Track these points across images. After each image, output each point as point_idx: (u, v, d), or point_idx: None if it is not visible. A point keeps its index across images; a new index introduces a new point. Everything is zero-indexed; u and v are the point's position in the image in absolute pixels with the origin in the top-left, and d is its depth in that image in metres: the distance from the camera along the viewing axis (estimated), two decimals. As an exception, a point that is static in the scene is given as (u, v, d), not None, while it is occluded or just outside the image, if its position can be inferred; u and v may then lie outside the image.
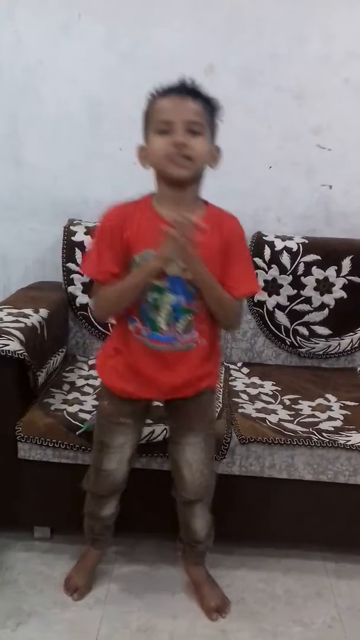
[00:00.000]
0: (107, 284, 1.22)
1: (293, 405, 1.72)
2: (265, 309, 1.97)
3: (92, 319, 1.97)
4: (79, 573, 1.52)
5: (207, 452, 1.39)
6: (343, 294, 1.95)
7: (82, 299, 1.96)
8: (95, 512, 1.46)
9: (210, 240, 1.19)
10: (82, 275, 1.94)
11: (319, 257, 1.94)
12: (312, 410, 1.70)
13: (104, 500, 1.45)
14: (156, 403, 1.46)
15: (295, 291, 1.96)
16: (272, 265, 1.94)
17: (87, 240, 1.93)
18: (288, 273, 1.94)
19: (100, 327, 1.98)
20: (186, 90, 1.17)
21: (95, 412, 1.56)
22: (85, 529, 1.51)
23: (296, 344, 2.00)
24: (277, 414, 1.66)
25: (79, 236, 1.94)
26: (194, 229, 1.11)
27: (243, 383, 1.86)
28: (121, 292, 1.21)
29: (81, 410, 1.60)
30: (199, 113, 1.16)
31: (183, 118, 1.14)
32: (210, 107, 1.19)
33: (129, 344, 1.28)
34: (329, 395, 1.79)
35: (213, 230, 1.20)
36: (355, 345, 2.00)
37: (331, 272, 1.94)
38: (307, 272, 1.94)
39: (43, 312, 1.73)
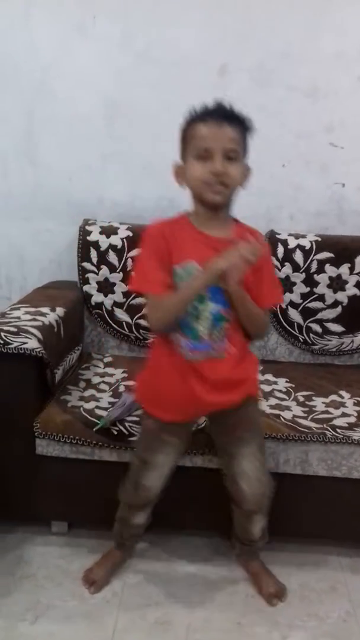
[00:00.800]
0: (162, 294, 1.25)
1: (307, 402, 1.73)
2: (278, 306, 1.98)
3: (107, 317, 1.99)
4: (99, 568, 1.55)
5: (262, 460, 1.41)
6: (356, 292, 1.96)
7: (98, 297, 1.99)
8: (127, 519, 1.49)
9: None
10: (97, 274, 1.97)
11: (332, 255, 1.95)
12: (325, 407, 1.71)
13: (138, 511, 1.48)
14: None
15: (309, 289, 1.97)
16: (285, 263, 1.95)
17: (102, 239, 1.95)
18: (301, 271, 1.95)
19: (114, 325, 2.00)
20: (224, 115, 1.20)
21: (111, 409, 1.59)
22: (114, 531, 1.54)
23: (309, 341, 2.01)
24: (291, 410, 1.67)
25: (94, 236, 1.97)
26: (258, 253, 1.18)
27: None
28: (181, 299, 1.23)
29: (97, 407, 1.62)
30: (236, 140, 1.20)
31: (222, 146, 1.18)
32: (244, 129, 1.23)
33: (170, 358, 1.31)
34: (342, 392, 1.80)
35: None
36: (369, 343, 2.01)
37: (344, 269, 1.95)
38: (320, 270, 1.95)
39: (59, 310, 1.76)
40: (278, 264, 1.96)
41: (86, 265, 1.98)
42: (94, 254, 1.96)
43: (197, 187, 1.23)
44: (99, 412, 1.59)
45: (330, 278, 1.96)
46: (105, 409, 1.61)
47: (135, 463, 1.44)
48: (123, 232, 1.96)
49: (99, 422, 1.54)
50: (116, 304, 1.98)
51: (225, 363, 1.30)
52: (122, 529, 1.52)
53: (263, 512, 1.46)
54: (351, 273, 1.95)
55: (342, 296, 1.96)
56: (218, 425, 1.43)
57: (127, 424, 1.56)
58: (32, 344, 1.51)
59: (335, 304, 1.97)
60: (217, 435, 1.45)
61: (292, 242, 1.96)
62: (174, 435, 1.39)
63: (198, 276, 1.22)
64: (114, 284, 1.97)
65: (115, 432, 1.54)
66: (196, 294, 1.22)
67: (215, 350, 1.29)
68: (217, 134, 1.18)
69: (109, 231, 1.96)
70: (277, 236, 1.98)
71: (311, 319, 1.99)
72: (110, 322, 2.00)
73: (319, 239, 1.97)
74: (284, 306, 1.98)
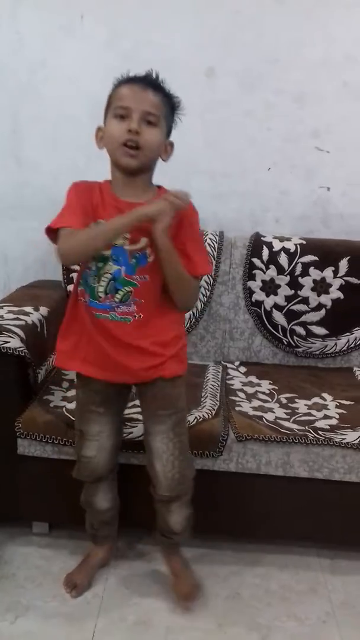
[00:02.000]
0: (78, 229, 1.22)
1: (289, 404, 1.74)
2: (262, 308, 2.00)
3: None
4: (80, 571, 1.54)
5: (178, 443, 1.38)
6: (340, 295, 1.98)
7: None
8: (90, 501, 1.49)
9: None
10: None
11: (316, 258, 1.96)
12: (308, 409, 1.72)
13: (92, 488, 1.47)
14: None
15: (293, 291, 1.98)
16: (270, 266, 1.97)
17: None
18: (286, 273, 1.97)
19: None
20: (149, 81, 1.23)
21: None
22: (86, 526, 1.54)
23: (293, 343, 2.02)
24: (274, 412, 1.68)
25: (79, 235, 1.96)
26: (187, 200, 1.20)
27: (240, 382, 1.88)
28: (97, 232, 1.22)
29: (80, 407, 1.62)
30: (157, 106, 1.22)
31: (141, 107, 1.20)
32: (170, 102, 1.25)
33: (81, 310, 1.31)
34: (325, 395, 1.82)
35: None
36: (352, 346, 2.02)
37: (328, 272, 1.97)
38: (305, 273, 1.97)
39: (43, 310, 1.75)
40: (263, 266, 1.97)
41: (71, 265, 1.97)
42: (79, 254, 1.96)
43: (112, 149, 1.24)
44: (81, 412, 1.59)
45: (314, 281, 1.97)
46: (88, 409, 1.60)
47: (76, 435, 1.44)
48: (108, 233, 1.95)
49: (81, 422, 1.54)
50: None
51: (129, 327, 1.28)
52: (89, 516, 1.51)
53: (182, 502, 1.42)
54: (335, 276, 1.97)
55: (325, 299, 1.98)
56: (140, 399, 1.42)
57: (109, 425, 1.55)
58: (15, 343, 1.50)
59: (319, 306, 1.99)
60: (142, 412, 1.44)
61: (277, 245, 1.98)
62: (101, 406, 1.38)
63: (121, 216, 1.20)
64: (98, 284, 1.96)
65: (98, 433, 1.54)
66: (114, 232, 1.20)
67: (117, 313, 1.27)
68: (138, 94, 1.21)
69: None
70: (262, 239, 1.99)
71: (295, 322, 2.01)
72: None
73: (304, 242, 1.99)
74: (268, 309, 1.99)
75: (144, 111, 1.20)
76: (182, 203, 1.18)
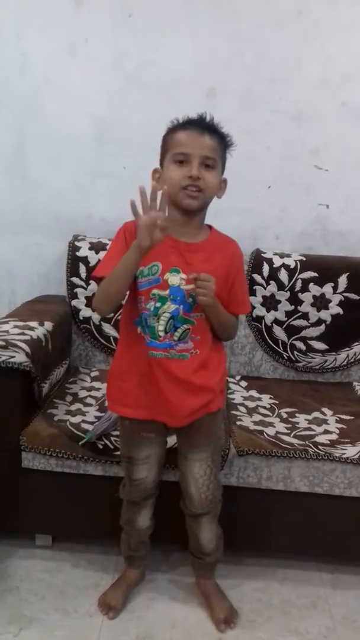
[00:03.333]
0: None
1: (290, 419, 1.76)
2: (263, 323, 2.02)
3: (95, 332, 2.02)
4: (114, 592, 1.54)
5: (214, 467, 1.44)
6: (339, 310, 2.00)
7: (86, 312, 2.01)
8: (133, 520, 1.50)
9: (215, 263, 1.31)
10: (85, 289, 1.99)
11: (316, 274, 1.99)
12: (308, 424, 1.74)
13: (139, 507, 1.49)
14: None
15: (293, 307, 2.01)
16: (271, 282, 2.00)
17: (91, 255, 1.98)
18: (286, 289, 2.00)
19: (102, 340, 2.02)
20: (206, 126, 1.27)
21: (97, 423, 1.61)
22: (122, 548, 1.55)
23: (293, 358, 2.05)
24: (274, 426, 1.70)
25: (83, 251, 2.00)
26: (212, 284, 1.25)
27: (241, 396, 1.90)
28: (115, 271, 1.25)
29: (84, 421, 1.64)
30: (214, 149, 1.26)
31: (200, 153, 1.24)
32: (224, 142, 1.30)
33: (137, 353, 1.34)
34: (325, 409, 1.84)
35: (214, 254, 1.32)
36: (351, 360, 2.04)
37: (328, 288, 1.99)
38: (305, 289, 2.00)
39: (48, 324, 1.78)
40: (263, 282, 2.00)
41: (75, 280, 2.00)
42: (82, 269, 1.99)
43: (173, 192, 1.27)
44: (85, 426, 1.61)
45: (314, 297, 2.00)
46: (92, 423, 1.63)
47: (124, 462, 1.47)
48: (112, 249, 1.99)
49: (84, 436, 1.56)
50: (104, 319, 2.01)
51: (188, 364, 1.33)
52: (128, 537, 1.53)
53: (211, 516, 1.47)
54: (334, 292, 2.00)
55: (325, 315, 2.01)
56: (180, 429, 1.44)
57: (112, 438, 1.58)
58: (20, 357, 1.53)
59: (319, 322, 2.01)
60: (178, 438, 1.47)
61: (277, 261, 2.01)
62: (152, 432, 1.42)
63: (127, 252, 1.23)
64: (101, 300, 1.99)
65: (101, 446, 1.56)
66: (128, 265, 1.23)
67: (175, 350, 1.32)
68: (196, 140, 1.25)
69: (98, 247, 1.99)
70: (263, 255, 2.02)
71: (295, 337, 2.03)
72: (98, 336, 2.02)
73: (304, 259, 2.02)
74: (268, 324, 2.02)
75: (203, 156, 1.25)
76: (202, 297, 1.25)
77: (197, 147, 1.24)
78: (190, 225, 1.32)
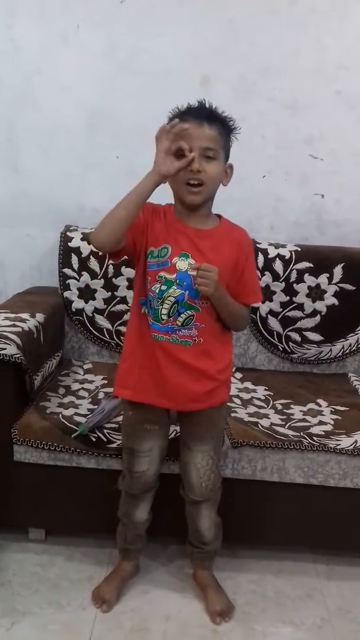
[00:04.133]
0: None
1: (285, 410, 1.75)
2: (258, 315, 2.01)
3: (87, 324, 2.00)
4: (108, 585, 1.53)
5: (216, 458, 1.46)
6: (334, 301, 1.99)
7: (78, 303, 1.99)
8: (130, 512, 1.49)
9: (224, 252, 1.31)
10: (78, 280, 1.97)
11: (311, 265, 1.98)
12: (303, 415, 1.73)
13: (138, 500, 1.48)
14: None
15: (288, 298, 1.99)
16: (266, 272, 1.98)
17: (83, 246, 1.96)
18: (281, 280, 1.98)
19: (95, 332, 2.01)
20: (203, 114, 1.24)
21: (89, 415, 1.59)
22: (117, 540, 1.54)
23: (288, 349, 2.04)
24: (269, 418, 1.69)
25: (75, 242, 1.97)
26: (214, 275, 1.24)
27: (236, 388, 1.89)
28: (126, 196, 1.22)
29: (76, 414, 1.62)
30: (215, 139, 1.24)
31: (199, 144, 1.22)
32: (226, 129, 1.27)
33: (141, 333, 1.34)
34: (320, 400, 1.83)
35: (223, 241, 1.32)
36: (346, 352, 2.03)
37: (323, 279, 1.98)
38: (300, 279, 1.98)
39: (39, 316, 1.76)
40: (258, 272, 1.98)
41: (67, 271, 1.98)
42: (75, 260, 1.97)
43: (175, 186, 1.27)
44: (77, 418, 1.60)
45: (309, 287, 1.98)
46: (84, 415, 1.61)
47: (125, 454, 1.46)
48: (104, 240, 1.97)
49: (77, 428, 1.54)
50: (97, 311, 1.99)
51: (190, 350, 1.32)
52: (125, 529, 1.52)
53: (211, 505, 1.48)
54: (330, 283, 1.98)
55: (320, 305, 1.99)
56: (183, 416, 1.44)
57: (105, 431, 1.56)
58: (11, 350, 1.51)
59: (314, 313, 2.00)
60: (181, 427, 1.47)
61: (272, 252, 1.99)
62: (155, 424, 1.42)
63: (147, 176, 1.22)
64: (95, 291, 1.97)
65: (94, 439, 1.55)
66: (141, 190, 1.21)
67: (178, 335, 1.31)
68: (195, 132, 1.22)
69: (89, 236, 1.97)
70: (258, 245, 2.00)
71: (290, 328, 2.02)
72: (91, 328, 2.01)
73: (299, 249, 2.00)
74: (263, 315, 2.00)
75: (203, 148, 1.22)
76: (202, 287, 1.25)
77: (196, 139, 1.22)
78: (198, 214, 1.31)
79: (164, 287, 1.29)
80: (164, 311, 1.29)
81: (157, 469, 1.47)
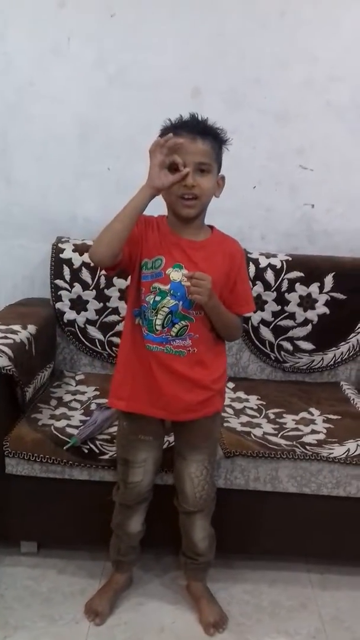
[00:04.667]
0: None
1: (277, 419, 1.75)
2: (250, 324, 2.01)
3: (80, 335, 2.00)
4: (101, 598, 1.52)
5: (210, 468, 1.45)
6: (326, 310, 2.00)
7: (70, 315, 1.99)
8: (124, 524, 1.49)
9: (217, 262, 1.32)
10: (69, 291, 1.97)
11: (302, 274, 1.99)
12: (295, 424, 1.73)
13: (131, 511, 1.48)
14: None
15: (280, 307, 2.00)
16: (257, 282, 1.99)
17: (75, 257, 1.96)
18: (272, 289, 1.99)
19: (87, 343, 2.00)
20: (197, 129, 1.25)
21: (82, 427, 1.59)
22: (110, 552, 1.53)
23: (280, 358, 2.04)
24: (262, 427, 1.69)
25: (67, 253, 1.97)
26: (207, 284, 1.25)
27: (228, 397, 1.88)
28: (121, 210, 1.23)
29: (69, 426, 1.62)
30: (208, 153, 1.25)
31: (193, 160, 1.23)
32: (218, 141, 1.28)
33: (135, 344, 1.34)
34: (312, 409, 1.83)
35: (216, 253, 1.33)
36: (338, 360, 2.04)
37: (314, 288, 1.99)
38: (291, 289, 1.99)
39: (31, 328, 1.75)
40: (250, 282, 1.99)
41: (59, 282, 1.98)
42: (66, 272, 1.97)
43: (170, 200, 1.29)
44: (70, 430, 1.59)
45: (300, 297, 1.99)
46: (77, 427, 1.61)
47: (120, 464, 1.46)
48: (96, 250, 1.97)
49: (69, 440, 1.54)
50: (89, 322, 1.99)
51: (184, 360, 1.32)
52: (118, 541, 1.51)
53: (205, 515, 1.48)
54: (321, 292, 1.99)
55: (312, 314, 2.00)
56: (178, 425, 1.44)
57: (98, 442, 1.56)
58: (2, 362, 1.51)
59: (306, 322, 2.01)
60: (176, 437, 1.47)
61: (264, 262, 2.00)
62: (150, 434, 1.41)
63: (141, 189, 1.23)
64: (87, 302, 1.97)
65: (86, 451, 1.54)
66: (136, 203, 1.22)
67: (172, 346, 1.31)
68: (189, 147, 1.23)
69: (82, 249, 1.97)
70: (249, 255, 2.01)
71: (282, 337, 2.02)
72: (83, 339, 2.00)
73: (290, 259, 2.01)
74: (255, 324, 2.01)
75: (197, 163, 1.24)
76: (196, 296, 1.25)
77: (191, 155, 1.23)
78: (191, 226, 1.33)
79: (158, 298, 1.30)
80: (158, 322, 1.30)
81: (151, 480, 1.46)
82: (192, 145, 1.23)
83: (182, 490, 1.45)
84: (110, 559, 1.55)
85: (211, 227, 1.39)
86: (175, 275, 1.29)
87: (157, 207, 1.33)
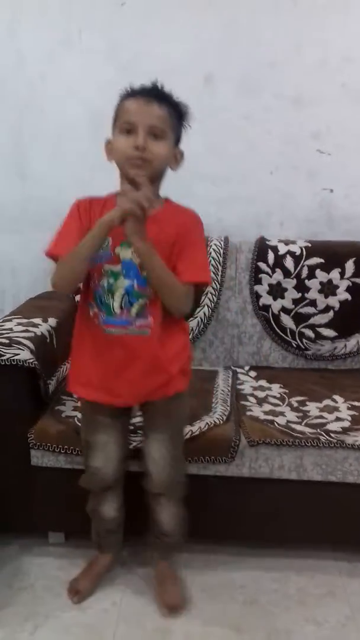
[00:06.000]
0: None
1: (301, 407, 1.74)
2: (270, 312, 2.00)
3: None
4: (84, 577, 1.55)
5: (173, 449, 1.42)
6: (347, 296, 1.98)
7: (90, 307, 1.99)
8: (97, 510, 1.49)
9: (163, 232, 1.25)
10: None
11: (322, 260, 1.96)
12: (319, 412, 1.71)
13: (100, 497, 1.48)
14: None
15: (300, 294, 1.98)
16: (276, 269, 1.97)
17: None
18: (292, 276, 1.97)
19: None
20: (154, 94, 1.23)
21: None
22: (92, 533, 1.55)
23: (302, 346, 2.02)
24: (285, 415, 1.68)
25: (85, 246, 1.97)
26: (145, 202, 1.14)
27: (251, 386, 1.88)
28: (77, 249, 1.20)
29: (92, 417, 1.62)
30: (163, 118, 1.22)
31: (146, 122, 1.21)
32: (176, 112, 1.25)
33: (90, 332, 1.32)
34: (336, 397, 1.81)
35: (168, 224, 1.26)
36: (361, 346, 2.02)
37: (335, 274, 1.97)
38: (311, 275, 1.97)
39: (52, 321, 1.76)
40: (269, 270, 1.97)
41: (78, 275, 1.98)
42: (85, 265, 1.97)
43: (120, 162, 1.25)
44: (93, 421, 1.60)
45: (321, 283, 1.97)
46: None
47: (82, 446, 1.46)
48: (114, 242, 1.97)
49: (93, 431, 1.54)
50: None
51: (148, 339, 1.29)
52: (96, 524, 1.52)
53: (172, 498, 1.45)
54: (342, 278, 1.97)
55: (333, 301, 1.98)
56: (142, 409, 1.45)
57: (121, 433, 1.56)
58: (25, 355, 1.52)
59: (327, 309, 1.99)
60: (142, 416, 1.46)
61: (282, 249, 1.98)
62: (107, 416, 1.39)
63: (91, 229, 1.20)
64: (106, 294, 1.97)
65: (110, 441, 1.55)
66: (88, 247, 1.19)
67: (135, 327, 1.28)
68: (143, 109, 1.21)
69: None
70: (267, 242, 1.99)
71: (303, 325, 2.01)
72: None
73: (309, 245, 1.99)
74: (275, 312, 1.99)
75: (150, 125, 1.21)
76: (130, 206, 1.14)
77: (144, 116, 1.20)
78: None
79: (111, 280, 1.26)
80: (116, 304, 1.27)
81: (115, 468, 1.44)
82: (147, 107, 1.21)
83: (146, 470, 1.42)
84: (92, 540, 1.56)
85: (166, 199, 1.32)
86: (125, 253, 1.24)
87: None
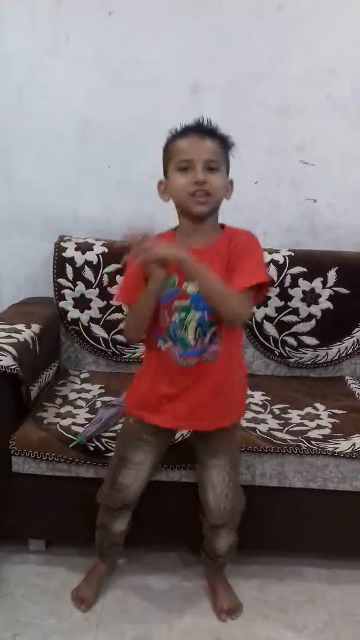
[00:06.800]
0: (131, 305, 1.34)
1: (282, 415, 1.75)
2: (254, 320, 2.01)
3: (83, 333, 2.00)
4: (87, 585, 1.55)
5: (234, 476, 1.44)
6: (329, 305, 2.00)
7: (74, 313, 1.99)
8: (107, 525, 1.49)
9: (219, 256, 1.28)
10: (72, 290, 1.98)
11: (305, 269, 1.98)
12: (301, 419, 1.73)
13: (115, 515, 1.47)
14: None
15: (283, 302, 2.00)
16: (260, 278, 1.98)
17: (78, 255, 1.97)
18: (275, 285, 1.99)
19: (91, 341, 2.01)
20: (205, 130, 1.26)
21: (87, 425, 1.59)
22: (96, 542, 1.54)
23: (285, 354, 2.04)
24: (267, 423, 1.69)
25: (70, 252, 1.98)
26: (145, 240, 1.18)
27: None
28: (140, 304, 1.29)
29: (74, 424, 1.62)
30: (216, 152, 1.25)
31: (202, 157, 1.23)
32: (225, 144, 1.29)
33: (161, 364, 1.34)
34: (317, 404, 1.83)
35: (226, 250, 1.29)
36: (343, 355, 2.04)
37: (317, 283, 1.99)
38: (294, 284, 1.99)
39: (35, 327, 1.76)
40: (262, 257, 1.98)
41: (62, 281, 1.98)
42: (69, 270, 1.97)
43: (181, 199, 1.26)
44: (75, 428, 1.60)
45: (303, 292, 1.99)
46: (82, 425, 1.61)
47: (113, 460, 1.46)
48: (98, 248, 1.97)
49: (75, 438, 1.54)
50: (92, 320, 1.99)
51: (218, 365, 1.32)
52: (102, 537, 1.52)
53: (229, 528, 1.48)
54: (324, 287, 1.99)
55: (315, 309, 2.00)
56: (198, 438, 1.45)
57: (103, 440, 1.56)
58: (7, 361, 1.51)
59: (309, 317, 2.01)
60: (195, 444, 1.47)
61: (266, 257, 2.00)
62: (153, 435, 1.41)
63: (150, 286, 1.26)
64: (90, 300, 1.98)
65: (92, 449, 1.55)
66: (149, 299, 1.27)
67: (208, 353, 1.31)
68: (197, 145, 1.24)
69: (84, 247, 1.98)
70: (251, 251, 2.01)
71: (286, 333, 2.02)
72: (87, 338, 2.01)
73: (292, 254, 2.01)
74: (259, 320, 2.01)
75: (205, 160, 1.23)
76: (147, 255, 1.18)
77: (199, 152, 1.23)
78: (203, 230, 1.30)
79: (182, 315, 1.29)
80: (190, 336, 1.30)
81: (139, 488, 1.45)
82: (201, 143, 1.24)
83: (206, 501, 1.44)
84: (96, 549, 1.55)
85: (222, 226, 1.35)
86: (192, 287, 1.27)
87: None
